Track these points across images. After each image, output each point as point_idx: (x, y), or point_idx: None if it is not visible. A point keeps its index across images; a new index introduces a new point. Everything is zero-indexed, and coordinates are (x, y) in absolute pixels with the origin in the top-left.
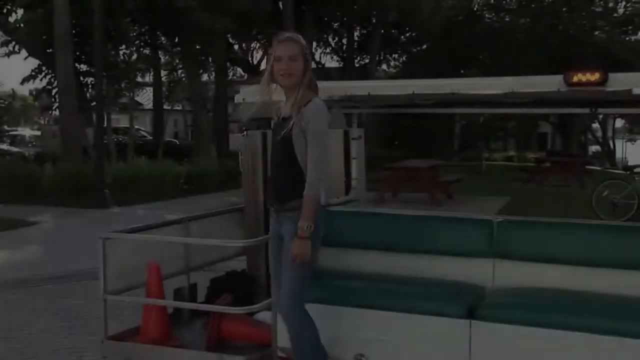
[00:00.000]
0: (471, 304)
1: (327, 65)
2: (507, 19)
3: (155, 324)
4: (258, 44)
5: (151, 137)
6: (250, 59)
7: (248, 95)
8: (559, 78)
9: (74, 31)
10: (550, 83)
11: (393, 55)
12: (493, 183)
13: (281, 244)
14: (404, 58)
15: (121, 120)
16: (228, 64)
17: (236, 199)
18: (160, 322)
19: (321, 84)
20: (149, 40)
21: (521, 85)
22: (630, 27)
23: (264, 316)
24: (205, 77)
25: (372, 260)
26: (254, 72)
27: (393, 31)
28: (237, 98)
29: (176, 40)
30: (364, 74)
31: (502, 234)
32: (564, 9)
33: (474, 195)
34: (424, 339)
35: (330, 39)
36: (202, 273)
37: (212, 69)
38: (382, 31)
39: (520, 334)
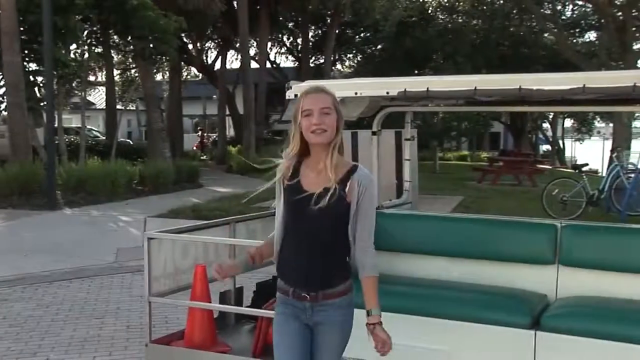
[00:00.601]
0: (536, 313)
1: (282, 65)
2: (459, 20)
3: (201, 328)
4: (213, 44)
5: (104, 138)
6: (204, 58)
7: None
8: (635, 73)
9: (21, 28)
10: (625, 78)
11: (348, 55)
12: (447, 182)
13: (307, 334)
14: (358, 58)
15: (73, 120)
16: (182, 63)
17: (195, 199)
18: (206, 327)
19: (378, 80)
20: (100, 39)
21: (594, 80)
22: (577, 30)
23: None
24: (159, 77)
25: (426, 266)
26: (208, 71)
27: (348, 31)
28: (289, 94)
29: (129, 39)
30: (319, 73)
31: (566, 239)
32: (515, 11)
33: (428, 194)
34: (484, 349)
35: (285, 39)
36: (247, 277)
37: (166, 68)
38: (337, 31)
39: (587, 346)
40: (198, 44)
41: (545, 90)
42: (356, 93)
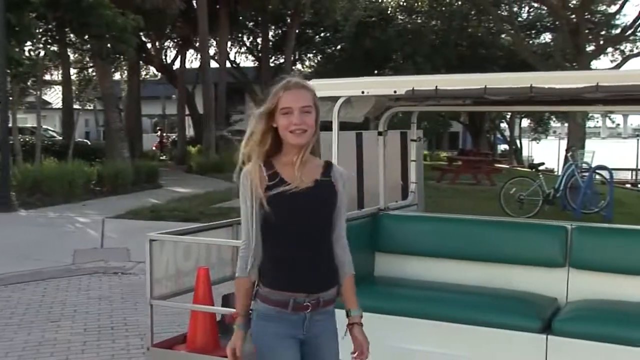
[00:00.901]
0: (546, 317)
1: (242, 64)
2: (419, 21)
3: (204, 332)
4: (172, 43)
5: (61, 138)
6: (164, 57)
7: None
8: None
9: None
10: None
11: (308, 55)
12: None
13: (295, 348)
14: (318, 58)
15: (28, 120)
16: (141, 62)
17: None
18: (209, 330)
19: (384, 79)
20: (56, 37)
21: (608, 78)
22: (533, 32)
23: None
24: (117, 76)
25: (433, 268)
26: (167, 71)
27: (308, 31)
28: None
29: (85, 37)
30: (280, 73)
31: (577, 241)
32: (473, 12)
33: None
34: (493, 353)
35: (245, 39)
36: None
37: (124, 67)
38: (297, 31)
39: (598, 350)
40: (157, 43)
41: (557, 89)
42: (363, 92)
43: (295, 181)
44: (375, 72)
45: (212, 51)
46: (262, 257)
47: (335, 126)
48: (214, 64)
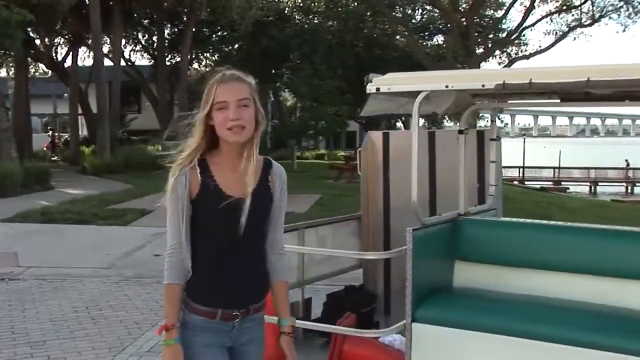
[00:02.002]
0: None
1: (137, 63)
2: (315, 21)
3: (269, 342)
4: (63, 39)
5: None
6: (54, 54)
7: (387, 85)
8: None
9: None
10: None
11: (205, 54)
12: (305, 181)
13: (225, 356)
14: (216, 57)
15: None
16: (29, 59)
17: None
18: (274, 341)
19: (471, 72)
20: None
21: None
22: (426, 33)
23: (390, 340)
24: (3, 73)
25: (520, 280)
26: (58, 68)
27: (205, 30)
28: (370, 88)
29: None
30: (176, 72)
31: None
32: (368, 14)
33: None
34: None
35: (140, 36)
36: (316, 287)
37: (11, 64)
38: (194, 29)
39: None
40: (47, 39)
41: None
42: (447, 86)
43: (230, 186)
44: (273, 71)
45: (105, 49)
46: (190, 267)
47: (414, 124)
48: (108, 62)
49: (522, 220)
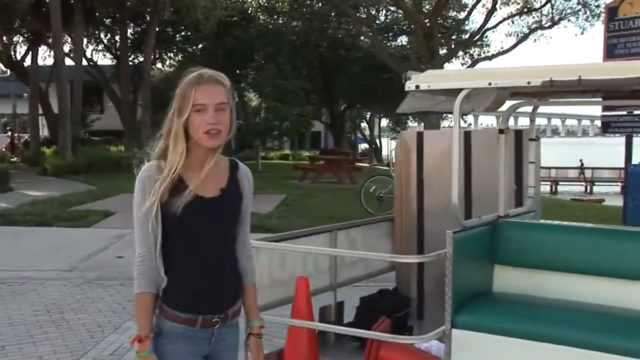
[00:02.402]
0: None
1: (100, 62)
2: (280, 22)
3: (304, 349)
4: (22, 38)
5: None
6: (12, 54)
7: (426, 82)
8: None
9: None
10: None
11: (169, 54)
12: (270, 181)
13: None
14: (180, 57)
15: None
16: None
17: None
18: (310, 347)
19: (515, 68)
20: None
21: None
22: (390, 34)
23: (427, 346)
24: None
25: (561, 284)
26: (18, 67)
27: (168, 30)
28: (409, 86)
29: None
30: (139, 72)
31: None
32: (333, 14)
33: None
34: None
35: (102, 36)
36: (346, 291)
37: None
38: (157, 29)
39: None
40: (4, 38)
41: None
42: (490, 83)
43: (201, 188)
44: (237, 71)
45: (66, 48)
46: (164, 273)
47: (456, 123)
48: (69, 62)
49: (564, 223)
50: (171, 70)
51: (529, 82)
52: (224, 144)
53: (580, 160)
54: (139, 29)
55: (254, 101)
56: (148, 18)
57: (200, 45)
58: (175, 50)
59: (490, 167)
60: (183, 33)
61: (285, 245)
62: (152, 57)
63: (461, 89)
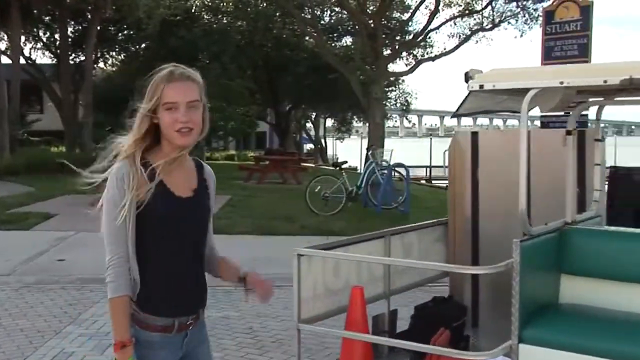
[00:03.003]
0: None
1: (39, 61)
2: (224, 21)
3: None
4: None
5: None
6: None
7: (491, 82)
8: None
9: None
10: None
11: (111, 53)
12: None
13: None
14: (122, 56)
15: None
16: None
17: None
18: (365, 358)
19: (589, 66)
20: None
21: None
22: (335, 35)
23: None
24: None
25: (632, 296)
26: None
27: (110, 28)
28: (472, 85)
29: None
30: (80, 71)
31: None
32: (278, 14)
33: None
34: None
35: (41, 34)
36: (398, 300)
37: None
38: (99, 27)
39: None
40: None
41: None
42: (562, 82)
43: (177, 187)
44: None
45: (3, 46)
46: (138, 276)
47: (524, 125)
48: (6, 60)
49: (637, 230)
50: (114, 69)
51: (605, 81)
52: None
53: None
54: (80, 27)
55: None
56: (89, 16)
57: (143, 45)
58: (117, 49)
59: (551, 169)
60: (125, 32)
61: (336, 253)
62: (94, 56)
63: (529, 89)
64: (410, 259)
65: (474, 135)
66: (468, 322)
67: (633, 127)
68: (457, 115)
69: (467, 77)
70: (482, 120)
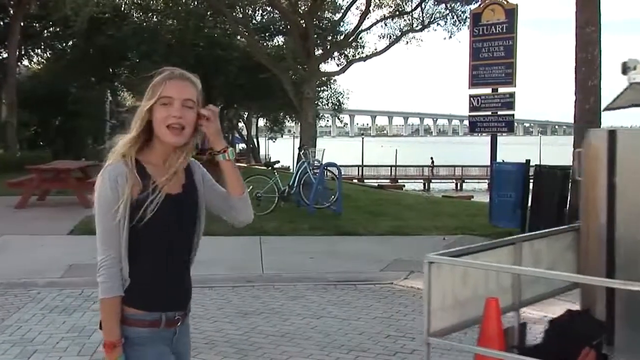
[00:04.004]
0: None
1: None
2: (155, 20)
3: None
4: None
5: None
6: None
7: None
8: None
9: None
10: None
11: (36, 51)
12: None
13: None
14: (48, 54)
15: None
16: None
17: None
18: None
19: None
20: None
21: None
22: (267, 34)
23: None
24: None
25: None
26: None
27: (35, 24)
28: (634, 77)
29: None
30: (3, 69)
31: None
32: (209, 13)
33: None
34: None
35: None
36: (530, 312)
37: None
38: (22, 24)
39: None
40: None
41: None
42: None
43: (166, 186)
44: (111, 70)
45: None
46: (127, 274)
47: None
48: None
49: None
50: (39, 67)
51: None
52: (192, 149)
53: (431, 158)
54: (2, 23)
55: (129, 100)
56: (11, 12)
57: (70, 42)
58: (43, 47)
59: None
60: (52, 29)
61: (465, 260)
62: (18, 53)
63: None
64: (540, 267)
65: (611, 134)
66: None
67: (556, 126)
68: (609, 108)
69: (625, 68)
70: (413, 120)
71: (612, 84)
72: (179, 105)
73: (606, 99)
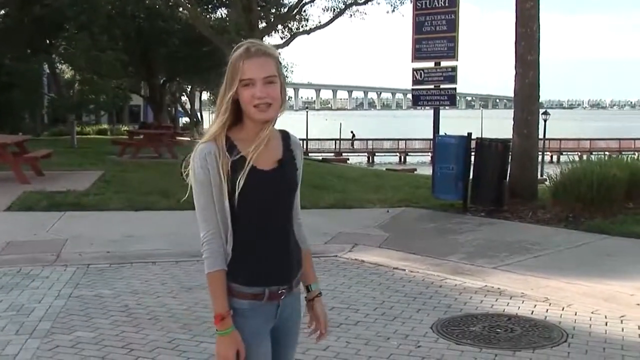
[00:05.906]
0: None
1: None
2: None
3: None
4: None
5: None
6: None
7: None
8: None
9: None
10: None
11: None
12: (86, 157)
13: (269, 339)
14: None
15: None
16: None
17: None
18: None
19: None
20: None
21: None
22: (210, 6)
23: None
24: None
25: None
26: None
27: None
28: None
29: None
30: None
31: None
32: None
33: (66, 170)
34: None
35: None
36: None
37: None
38: None
39: None
40: None
41: None
42: None
43: (259, 160)
44: (48, 41)
45: None
46: (230, 249)
47: None
48: None
49: None
50: None
51: None
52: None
53: (352, 132)
54: None
55: (67, 73)
56: None
57: (2, 12)
58: None
59: None
60: None
61: None
62: None
63: None
64: None
65: None
66: None
67: (497, 100)
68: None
69: None
70: (357, 94)
71: (549, 59)
72: (262, 85)
73: (544, 73)
